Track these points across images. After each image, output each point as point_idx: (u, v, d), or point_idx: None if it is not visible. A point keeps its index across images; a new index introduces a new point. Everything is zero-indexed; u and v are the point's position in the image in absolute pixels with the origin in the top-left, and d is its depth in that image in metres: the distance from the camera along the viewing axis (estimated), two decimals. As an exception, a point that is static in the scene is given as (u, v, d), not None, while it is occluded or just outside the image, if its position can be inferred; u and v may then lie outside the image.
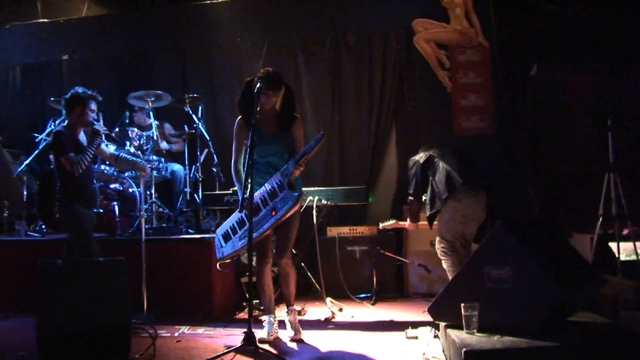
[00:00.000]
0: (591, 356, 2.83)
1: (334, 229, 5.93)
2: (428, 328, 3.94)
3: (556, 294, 2.93)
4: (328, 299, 4.98)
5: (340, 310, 4.99)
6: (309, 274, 5.27)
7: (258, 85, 3.88)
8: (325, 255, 5.59)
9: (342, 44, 6.71)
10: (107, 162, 5.53)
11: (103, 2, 7.48)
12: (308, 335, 4.10)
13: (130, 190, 5.72)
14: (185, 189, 6.05)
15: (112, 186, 5.67)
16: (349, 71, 6.69)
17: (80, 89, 4.79)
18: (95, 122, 4.89)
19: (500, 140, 6.17)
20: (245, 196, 3.76)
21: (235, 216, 4.14)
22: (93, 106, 4.78)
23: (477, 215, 4.58)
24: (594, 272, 3.57)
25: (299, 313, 4.83)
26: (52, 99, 6.22)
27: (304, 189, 4.55)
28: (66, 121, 4.84)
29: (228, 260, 4.29)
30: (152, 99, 5.93)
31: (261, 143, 3.99)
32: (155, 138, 5.92)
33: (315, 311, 5.07)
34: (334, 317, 4.82)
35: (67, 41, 7.38)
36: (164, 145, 6.43)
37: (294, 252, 5.20)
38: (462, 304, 3.15)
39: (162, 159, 6.02)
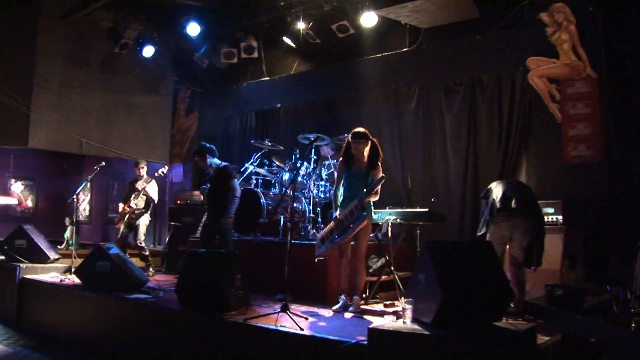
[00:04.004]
0: (447, 346, 3.70)
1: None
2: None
3: (439, 295, 3.87)
4: (402, 298, 6.18)
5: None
6: (396, 277, 6.49)
7: (350, 136, 5.76)
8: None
9: (476, 84, 7.65)
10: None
11: (308, 59, 9.48)
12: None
13: (300, 207, 7.72)
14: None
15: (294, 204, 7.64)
16: (483, 106, 7.58)
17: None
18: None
19: (607, 167, 6.39)
20: (335, 214, 5.70)
21: (330, 226, 5.84)
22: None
23: (515, 237, 5.33)
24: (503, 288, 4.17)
25: (390, 305, 6.16)
26: (253, 141, 8.61)
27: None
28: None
29: (322, 258, 6.03)
30: (312, 137, 7.82)
31: (353, 178, 5.75)
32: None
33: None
34: (403, 312, 6.01)
35: (282, 92, 9.83)
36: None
37: (387, 258, 6.57)
38: (402, 300, 4.29)
39: (329, 184, 7.83)
